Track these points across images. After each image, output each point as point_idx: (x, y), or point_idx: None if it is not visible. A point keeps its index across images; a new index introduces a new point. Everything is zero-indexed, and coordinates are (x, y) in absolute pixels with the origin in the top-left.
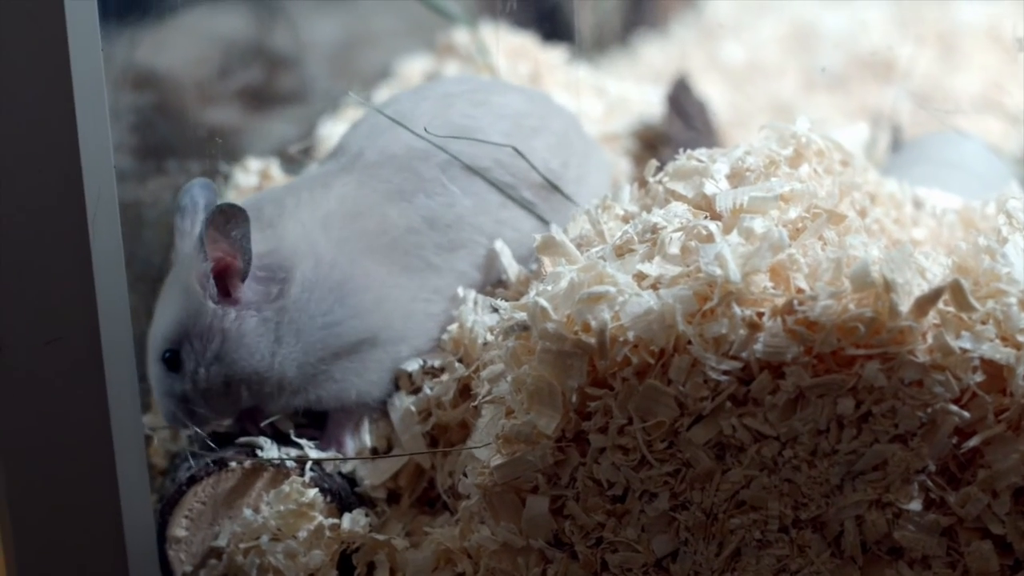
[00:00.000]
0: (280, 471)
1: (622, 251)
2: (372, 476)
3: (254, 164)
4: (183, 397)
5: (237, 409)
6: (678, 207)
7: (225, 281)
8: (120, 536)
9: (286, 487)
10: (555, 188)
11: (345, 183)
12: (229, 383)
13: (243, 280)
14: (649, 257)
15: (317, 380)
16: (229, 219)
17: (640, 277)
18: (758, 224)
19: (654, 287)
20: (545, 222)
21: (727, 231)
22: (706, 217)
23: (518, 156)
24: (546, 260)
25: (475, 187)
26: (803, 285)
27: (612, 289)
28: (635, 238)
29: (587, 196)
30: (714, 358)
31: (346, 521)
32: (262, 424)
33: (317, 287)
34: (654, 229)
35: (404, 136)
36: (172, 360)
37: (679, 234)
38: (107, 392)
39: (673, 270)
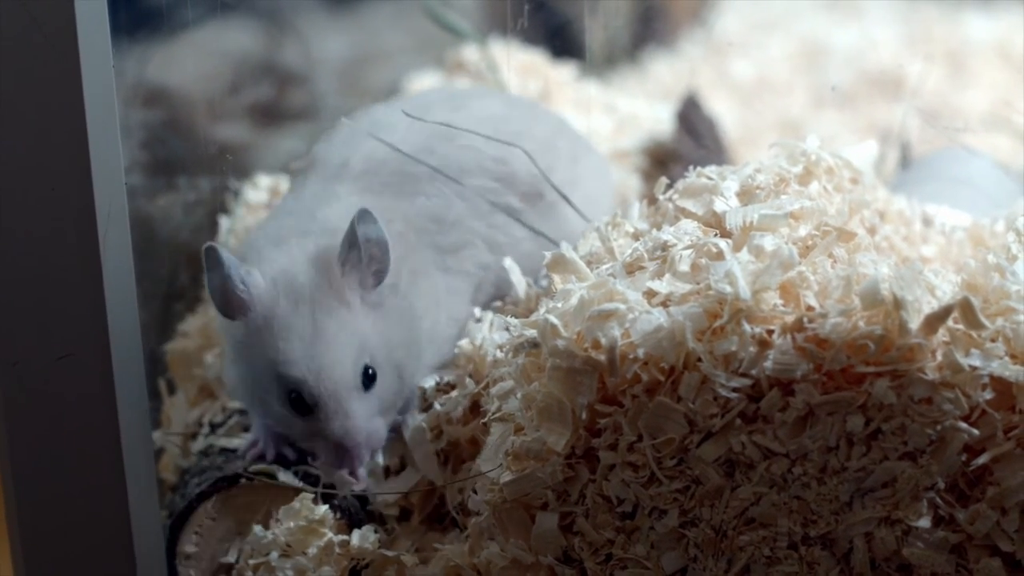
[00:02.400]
0: (291, 488)
1: (632, 268)
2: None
3: (264, 180)
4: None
5: None
6: (688, 224)
7: None
8: (130, 551)
9: (296, 504)
10: (559, 193)
11: (349, 192)
12: None
13: None
14: (659, 274)
15: None
16: None
17: (650, 294)
18: (768, 242)
19: (664, 304)
20: (534, 230)
21: (737, 249)
22: (716, 235)
23: (501, 161)
24: (556, 277)
25: (465, 191)
26: (813, 302)
27: (622, 306)
28: (645, 255)
29: (580, 201)
30: (724, 375)
31: (356, 538)
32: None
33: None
34: (664, 246)
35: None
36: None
37: (689, 251)
38: (117, 408)
39: (683, 287)
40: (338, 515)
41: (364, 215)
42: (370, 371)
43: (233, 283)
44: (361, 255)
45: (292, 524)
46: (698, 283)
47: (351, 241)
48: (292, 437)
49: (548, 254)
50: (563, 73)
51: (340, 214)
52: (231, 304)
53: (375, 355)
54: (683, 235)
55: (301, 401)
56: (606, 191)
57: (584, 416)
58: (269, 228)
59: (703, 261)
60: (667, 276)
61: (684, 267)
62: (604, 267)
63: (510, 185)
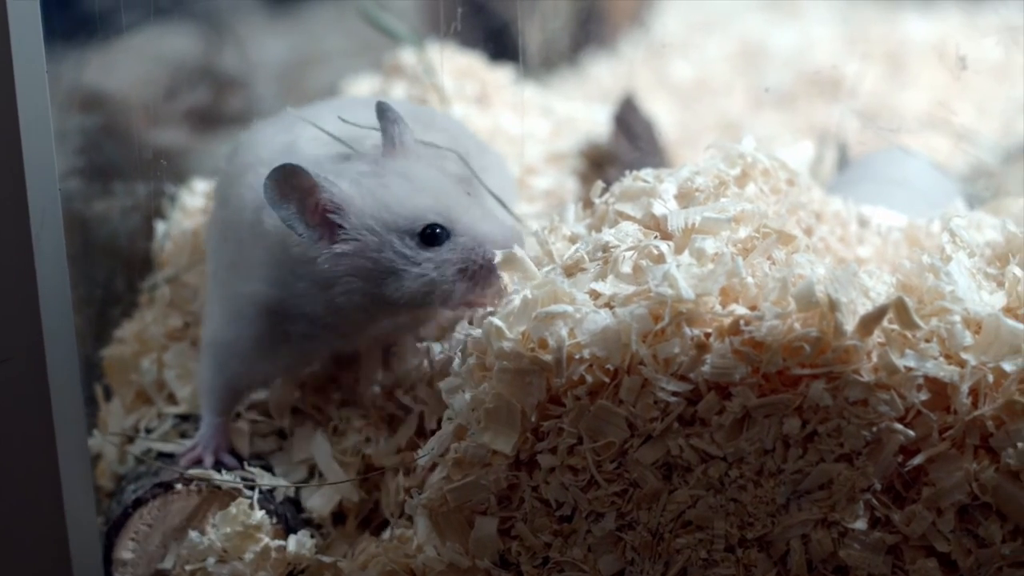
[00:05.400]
0: (227, 493)
1: (572, 270)
2: (318, 498)
3: (200, 185)
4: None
5: None
6: (628, 226)
7: None
8: (66, 558)
9: (233, 509)
10: (492, 194)
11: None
12: None
13: None
14: (602, 276)
15: None
16: None
17: (594, 295)
18: (709, 244)
19: (608, 305)
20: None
21: (679, 251)
22: (656, 237)
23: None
24: (506, 276)
25: None
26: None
27: (569, 308)
28: (585, 257)
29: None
30: (664, 379)
31: (292, 543)
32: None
33: None
34: (605, 248)
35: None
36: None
37: (631, 253)
38: (53, 414)
39: (627, 289)
40: (274, 520)
41: (383, 103)
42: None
43: (322, 189)
44: (404, 128)
45: (229, 529)
46: (641, 285)
47: (393, 118)
48: (434, 294)
49: (499, 253)
50: (500, 76)
51: (318, 140)
52: (317, 222)
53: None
54: (624, 237)
55: (434, 233)
56: (509, 186)
57: (534, 417)
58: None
59: (644, 263)
60: (610, 277)
61: (626, 268)
62: (544, 269)
63: None
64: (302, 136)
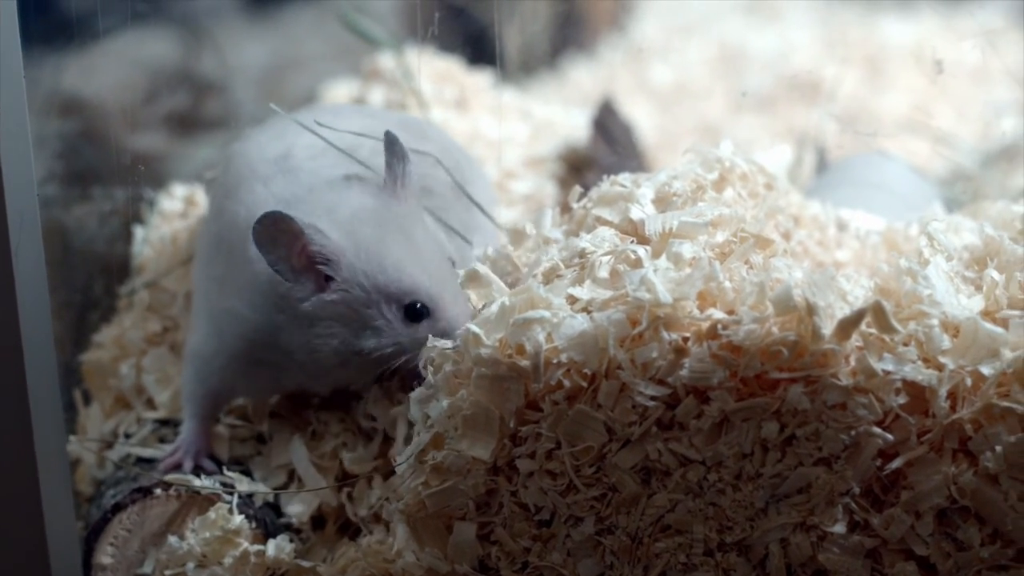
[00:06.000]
0: (206, 498)
1: (549, 277)
2: (297, 503)
3: (179, 190)
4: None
5: None
6: (605, 231)
7: None
8: (45, 563)
9: (212, 514)
10: (475, 204)
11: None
12: None
13: None
14: (579, 281)
15: None
16: None
17: (571, 300)
18: (687, 249)
19: (586, 310)
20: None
21: (656, 256)
22: (633, 242)
23: (425, 176)
24: (472, 294)
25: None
26: (728, 309)
27: (547, 313)
28: (561, 264)
29: (474, 212)
30: (642, 383)
31: (271, 547)
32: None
33: None
34: (582, 254)
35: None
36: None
37: (608, 258)
38: (32, 419)
39: (604, 293)
40: (253, 525)
41: (392, 135)
42: (453, 262)
43: (311, 241)
44: (409, 167)
45: (207, 534)
46: (618, 289)
47: (400, 154)
48: (410, 361)
49: (462, 272)
50: (479, 80)
51: (312, 148)
52: (304, 268)
53: (448, 249)
54: (601, 242)
55: (416, 311)
56: (491, 197)
57: (512, 423)
58: (275, 188)
59: (622, 268)
60: (587, 283)
61: (603, 273)
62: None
63: (436, 187)
64: (297, 144)
